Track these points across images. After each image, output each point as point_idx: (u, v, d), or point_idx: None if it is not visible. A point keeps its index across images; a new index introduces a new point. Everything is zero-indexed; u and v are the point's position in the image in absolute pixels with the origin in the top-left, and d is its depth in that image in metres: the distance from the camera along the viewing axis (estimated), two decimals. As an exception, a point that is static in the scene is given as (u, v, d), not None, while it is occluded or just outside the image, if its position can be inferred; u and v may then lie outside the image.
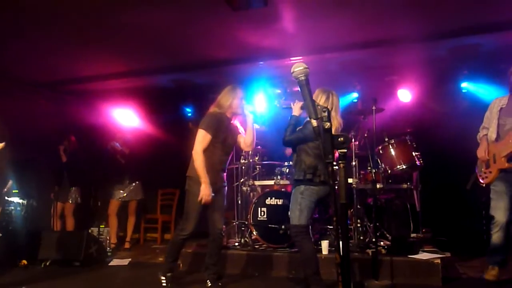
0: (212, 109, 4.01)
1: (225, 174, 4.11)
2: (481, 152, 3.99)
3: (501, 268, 3.90)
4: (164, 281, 3.97)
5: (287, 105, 3.88)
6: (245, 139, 4.10)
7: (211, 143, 3.87)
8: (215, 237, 4.00)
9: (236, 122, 4.13)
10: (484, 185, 4.00)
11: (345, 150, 1.77)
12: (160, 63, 6.21)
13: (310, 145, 3.61)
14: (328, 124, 1.76)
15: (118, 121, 6.92)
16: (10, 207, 5.87)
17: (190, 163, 3.95)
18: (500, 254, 3.91)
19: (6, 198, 5.46)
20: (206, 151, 3.84)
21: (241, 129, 4.16)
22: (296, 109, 3.72)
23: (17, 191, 5.93)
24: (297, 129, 3.69)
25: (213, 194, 3.80)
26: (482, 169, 4.00)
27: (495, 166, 3.87)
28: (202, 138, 3.84)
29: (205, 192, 3.75)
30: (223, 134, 3.93)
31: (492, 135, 3.94)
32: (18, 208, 6.00)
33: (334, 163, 1.90)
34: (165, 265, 4.06)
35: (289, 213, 3.67)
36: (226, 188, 4.14)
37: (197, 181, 3.82)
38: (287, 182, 5.30)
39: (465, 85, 6.10)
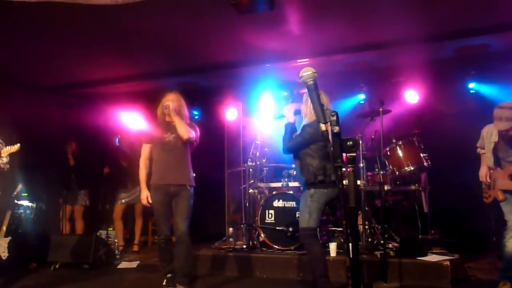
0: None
1: (186, 173, 4.11)
2: (482, 177, 4.05)
3: None
4: (164, 282, 4.08)
5: (279, 114, 3.92)
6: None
7: (153, 148, 4.17)
8: (177, 239, 4.04)
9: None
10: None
11: (354, 154, 1.78)
12: (166, 66, 6.23)
13: (313, 147, 3.61)
14: (337, 128, 1.76)
15: (124, 125, 6.95)
16: (19, 210, 5.91)
17: None
18: None
19: (15, 201, 5.50)
20: (153, 157, 4.16)
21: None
22: (290, 115, 3.75)
23: (26, 194, 5.97)
24: (294, 135, 3.69)
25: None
26: (485, 189, 4.04)
27: (493, 192, 3.92)
28: (142, 151, 4.24)
29: (141, 196, 4.14)
30: (159, 136, 4.14)
31: (490, 162, 3.95)
32: (28, 211, 6.05)
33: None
34: (162, 269, 4.16)
35: (297, 216, 3.66)
36: (190, 190, 4.09)
37: (152, 190, 4.09)
38: (294, 184, 5.29)
39: (472, 85, 6.06)
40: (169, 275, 4.08)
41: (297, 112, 3.76)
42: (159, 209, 4.07)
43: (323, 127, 1.86)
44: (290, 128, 3.71)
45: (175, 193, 4.04)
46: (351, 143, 1.76)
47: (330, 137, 1.92)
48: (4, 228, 5.28)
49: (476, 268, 4.70)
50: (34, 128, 6.54)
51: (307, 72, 2.04)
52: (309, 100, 3.56)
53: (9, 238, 5.28)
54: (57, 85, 6.92)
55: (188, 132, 4.04)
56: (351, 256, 1.77)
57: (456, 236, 5.49)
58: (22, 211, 5.99)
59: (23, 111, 6.47)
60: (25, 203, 6.05)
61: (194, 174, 4.24)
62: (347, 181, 1.86)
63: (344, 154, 1.81)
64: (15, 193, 5.47)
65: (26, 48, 5.33)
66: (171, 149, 4.10)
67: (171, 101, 4.15)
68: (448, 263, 4.13)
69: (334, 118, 1.77)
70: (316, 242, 3.59)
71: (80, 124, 7.15)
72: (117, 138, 6.45)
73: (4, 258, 5.18)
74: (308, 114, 3.68)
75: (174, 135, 4.09)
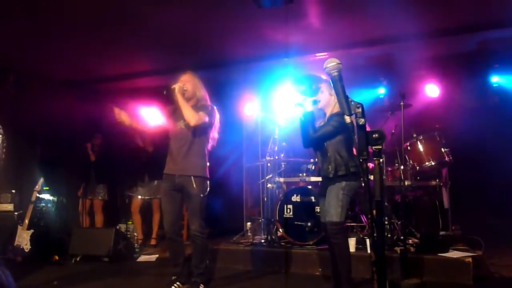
0: None
1: (195, 163, 3.79)
2: None
3: None
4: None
5: (298, 102, 3.71)
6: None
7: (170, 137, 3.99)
8: (190, 238, 3.85)
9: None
10: None
11: (380, 147, 1.74)
12: (185, 61, 6.20)
13: (338, 138, 3.53)
14: (363, 120, 1.73)
15: (144, 120, 6.99)
16: (41, 204, 6.01)
17: None
18: None
19: (37, 195, 5.58)
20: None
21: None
22: (308, 105, 3.62)
23: (47, 188, 6.07)
24: (318, 125, 3.62)
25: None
26: None
27: None
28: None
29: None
30: (172, 125, 3.96)
31: None
32: (49, 205, 6.14)
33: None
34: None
35: (317, 210, 3.62)
36: (199, 183, 3.74)
37: (163, 179, 3.91)
38: (313, 179, 5.26)
39: (496, 79, 5.93)
40: (174, 277, 3.88)
41: (316, 102, 3.65)
42: (165, 204, 3.85)
43: (347, 119, 1.83)
44: (312, 118, 3.58)
45: (181, 185, 3.75)
46: (377, 135, 1.73)
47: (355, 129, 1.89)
48: (27, 221, 5.38)
49: (499, 265, 4.60)
50: (56, 123, 6.64)
51: (332, 63, 2.02)
52: (333, 92, 3.52)
53: (32, 231, 5.38)
54: (78, 80, 7.02)
55: (194, 116, 3.64)
56: (373, 250, 1.74)
57: (478, 232, 5.40)
58: (43, 204, 6.09)
59: (44, 105, 6.57)
60: (47, 196, 6.14)
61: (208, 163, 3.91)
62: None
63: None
64: (36, 187, 5.56)
65: (49, 44, 5.40)
66: (182, 138, 3.81)
67: (183, 82, 3.83)
68: (470, 259, 4.06)
69: (360, 110, 1.74)
70: (346, 236, 3.61)
71: (100, 119, 7.22)
72: (141, 139, 6.47)
73: (26, 251, 5.29)
74: (330, 106, 3.63)
75: (185, 122, 3.74)
